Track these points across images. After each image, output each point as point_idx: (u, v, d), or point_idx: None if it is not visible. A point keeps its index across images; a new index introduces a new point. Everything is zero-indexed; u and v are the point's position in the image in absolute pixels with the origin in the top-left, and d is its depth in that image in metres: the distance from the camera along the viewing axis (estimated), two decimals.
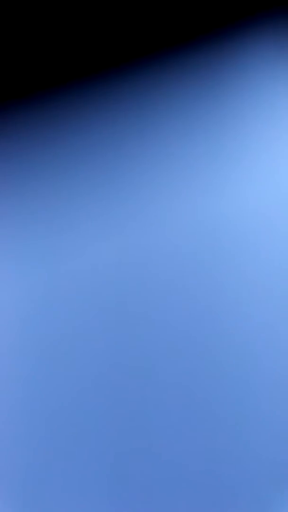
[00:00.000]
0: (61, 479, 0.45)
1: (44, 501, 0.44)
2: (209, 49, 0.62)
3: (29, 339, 0.50)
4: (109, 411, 0.47)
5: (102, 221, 0.54)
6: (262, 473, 0.45)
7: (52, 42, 0.61)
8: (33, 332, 0.50)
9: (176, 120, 0.59)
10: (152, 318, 0.50)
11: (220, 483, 0.44)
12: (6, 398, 0.48)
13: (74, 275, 0.52)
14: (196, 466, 0.45)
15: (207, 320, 0.50)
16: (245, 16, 0.64)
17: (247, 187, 0.55)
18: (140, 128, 0.59)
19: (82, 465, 0.45)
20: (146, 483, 0.45)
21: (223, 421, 0.46)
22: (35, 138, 0.59)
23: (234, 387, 0.47)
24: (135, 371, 0.48)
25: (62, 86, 0.62)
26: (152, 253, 0.53)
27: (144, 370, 0.48)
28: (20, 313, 0.51)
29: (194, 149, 0.57)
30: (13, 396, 0.48)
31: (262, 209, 0.54)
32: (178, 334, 0.49)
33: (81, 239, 0.54)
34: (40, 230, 0.54)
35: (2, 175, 0.57)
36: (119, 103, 0.60)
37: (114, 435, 0.46)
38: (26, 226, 0.55)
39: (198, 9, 0.63)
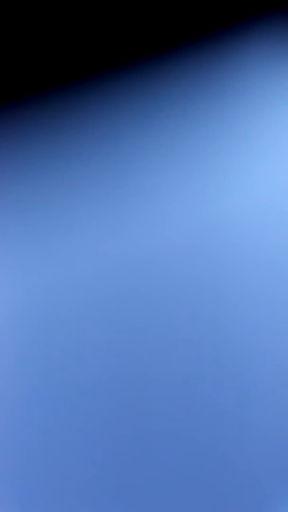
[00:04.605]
0: (60, 483, 0.45)
1: (42, 504, 0.44)
2: (209, 49, 0.62)
3: (29, 340, 0.50)
4: (109, 412, 0.47)
5: (102, 221, 0.54)
6: (262, 473, 0.45)
7: (52, 42, 0.61)
8: (32, 333, 0.50)
9: (176, 118, 0.59)
10: (153, 317, 0.50)
11: (221, 483, 0.44)
12: (6, 400, 0.48)
13: (74, 275, 0.52)
14: (196, 466, 0.45)
15: (208, 319, 0.50)
16: (245, 16, 0.64)
17: (248, 185, 0.55)
18: (140, 126, 0.59)
19: (82, 468, 0.45)
20: (146, 482, 0.45)
21: (223, 422, 0.46)
22: (35, 138, 0.59)
23: (235, 387, 0.47)
24: (135, 371, 0.48)
25: (62, 86, 0.62)
26: (153, 252, 0.53)
27: (145, 370, 0.48)
28: (19, 314, 0.51)
29: (194, 148, 0.57)
30: (12, 397, 0.48)
31: (263, 206, 0.54)
32: (179, 333, 0.49)
33: (80, 240, 0.54)
34: (40, 230, 0.54)
35: (1, 175, 0.57)
36: (119, 102, 0.60)
37: (114, 433, 0.46)
38: (25, 227, 0.55)
39: (198, 9, 0.63)
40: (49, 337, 0.50)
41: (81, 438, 0.46)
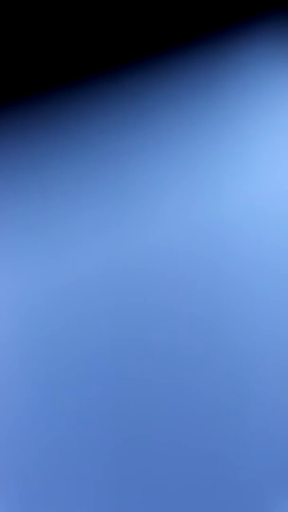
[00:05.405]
0: (60, 482, 0.45)
1: (42, 504, 0.45)
2: (209, 49, 0.62)
3: (29, 340, 0.50)
4: (109, 411, 0.47)
5: (101, 221, 0.54)
6: (262, 474, 0.45)
7: (52, 42, 0.61)
8: (33, 332, 0.50)
9: (175, 118, 0.59)
10: (152, 316, 0.50)
11: (221, 483, 0.44)
12: (5, 400, 0.48)
13: (73, 274, 0.52)
14: (196, 467, 0.45)
15: (206, 317, 0.50)
16: (245, 16, 0.64)
17: (246, 184, 0.55)
18: (139, 126, 0.59)
19: (81, 469, 0.46)
20: (146, 484, 0.45)
21: (224, 422, 0.46)
22: (34, 138, 0.59)
23: (235, 387, 0.47)
24: (136, 375, 0.48)
25: (62, 85, 0.62)
26: (152, 251, 0.53)
27: (145, 370, 0.48)
28: (19, 314, 0.51)
29: (193, 149, 0.57)
30: (12, 397, 0.48)
31: (261, 205, 0.54)
32: (178, 331, 0.49)
33: (79, 240, 0.54)
34: (39, 230, 0.54)
35: (2, 175, 0.57)
36: (118, 101, 0.60)
37: (114, 432, 0.46)
38: (25, 227, 0.55)
39: (198, 9, 0.63)
40: (50, 338, 0.50)
41: (80, 436, 0.46)
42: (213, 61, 0.62)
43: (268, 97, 0.59)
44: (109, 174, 0.57)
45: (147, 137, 0.58)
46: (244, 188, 0.55)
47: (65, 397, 0.48)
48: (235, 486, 0.44)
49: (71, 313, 0.51)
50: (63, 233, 0.54)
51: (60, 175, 0.57)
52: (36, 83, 0.62)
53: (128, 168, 0.57)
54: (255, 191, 0.55)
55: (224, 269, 0.52)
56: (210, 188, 0.55)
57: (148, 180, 0.56)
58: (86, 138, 0.59)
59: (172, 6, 0.62)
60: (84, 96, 0.61)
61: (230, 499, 0.44)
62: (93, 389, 0.48)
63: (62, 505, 0.44)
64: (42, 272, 0.52)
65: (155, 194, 0.55)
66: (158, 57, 0.62)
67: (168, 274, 0.52)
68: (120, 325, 0.50)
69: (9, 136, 0.59)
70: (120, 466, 0.45)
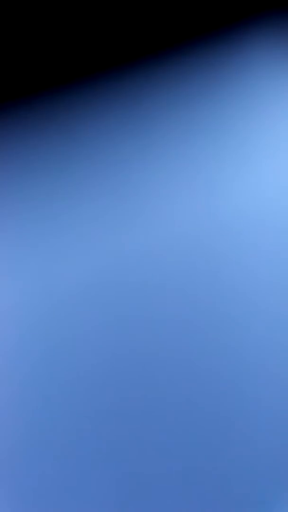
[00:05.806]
0: (59, 483, 0.45)
1: (41, 502, 0.45)
2: (209, 49, 0.62)
3: (28, 343, 0.50)
4: (109, 412, 0.47)
5: (101, 222, 0.54)
6: (263, 474, 0.45)
7: (52, 42, 0.61)
8: (32, 335, 0.50)
9: (177, 119, 0.59)
10: (152, 319, 0.50)
11: (221, 483, 0.44)
12: (5, 403, 0.48)
13: (73, 276, 0.52)
14: (196, 467, 0.45)
15: (208, 321, 0.50)
16: (245, 16, 0.64)
17: (247, 187, 0.55)
18: (140, 127, 0.59)
19: (81, 469, 0.45)
20: (145, 482, 0.45)
21: (224, 422, 0.46)
22: (34, 139, 0.59)
23: (235, 387, 0.47)
24: (135, 372, 0.48)
25: (62, 86, 0.62)
26: (152, 254, 0.53)
27: (144, 371, 0.48)
28: (18, 316, 0.51)
29: (195, 148, 0.57)
30: (12, 400, 0.48)
31: (263, 208, 0.54)
32: (178, 334, 0.49)
33: (80, 242, 0.54)
34: (39, 232, 0.54)
35: (1, 178, 0.57)
36: (119, 101, 0.60)
37: (114, 433, 0.46)
38: (25, 229, 0.55)
39: (198, 9, 0.63)
40: (48, 338, 0.50)
41: (80, 438, 0.46)
42: (213, 62, 0.62)
43: (270, 98, 0.59)
44: (110, 177, 0.57)
45: (148, 139, 0.58)
46: (248, 188, 0.55)
47: (65, 400, 0.48)
48: (236, 487, 0.44)
49: (71, 318, 0.51)
50: (64, 237, 0.54)
51: (61, 178, 0.57)
52: (34, 86, 0.62)
53: (130, 171, 0.57)
54: (260, 191, 0.55)
55: (229, 268, 0.52)
56: (214, 188, 0.55)
57: (149, 183, 0.56)
58: (87, 141, 0.59)
59: (172, 8, 0.62)
60: (83, 98, 0.61)
61: (231, 499, 0.44)
62: (93, 391, 0.48)
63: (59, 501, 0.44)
64: (42, 277, 0.52)
65: (157, 197, 0.55)
66: (156, 59, 0.62)
67: (170, 277, 0.52)
68: (121, 329, 0.50)
69: (10, 138, 0.59)
70: (118, 457, 0.45)
